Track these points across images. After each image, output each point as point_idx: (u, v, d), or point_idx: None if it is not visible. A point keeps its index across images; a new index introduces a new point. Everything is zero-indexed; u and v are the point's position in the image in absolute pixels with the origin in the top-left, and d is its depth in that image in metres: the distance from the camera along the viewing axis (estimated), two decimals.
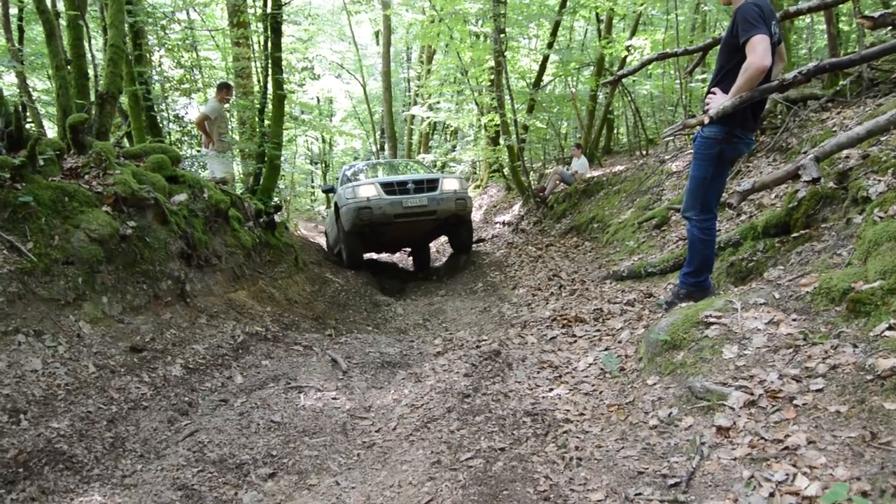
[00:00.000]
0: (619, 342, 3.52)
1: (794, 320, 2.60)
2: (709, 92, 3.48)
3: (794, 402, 2.07)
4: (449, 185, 7.97)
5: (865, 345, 2.19)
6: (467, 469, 2.28)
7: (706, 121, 3.27)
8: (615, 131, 18.66)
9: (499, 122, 13.03)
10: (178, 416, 2.83)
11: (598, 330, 3.84)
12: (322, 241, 12.27)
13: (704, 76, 12.24)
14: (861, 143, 2.86)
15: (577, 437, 2.44)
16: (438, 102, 20.75)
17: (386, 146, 22.88)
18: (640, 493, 1.88)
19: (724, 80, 3.36)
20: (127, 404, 2.76)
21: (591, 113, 15.07)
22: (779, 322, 2.63)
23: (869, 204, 3.02)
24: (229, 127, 8.13)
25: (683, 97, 11.76)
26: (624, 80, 9.02)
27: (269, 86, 7.76)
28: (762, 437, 1.96)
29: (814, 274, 2.88)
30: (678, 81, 12.69)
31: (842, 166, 3.61)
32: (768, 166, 5.27)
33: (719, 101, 3.28)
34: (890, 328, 2.16)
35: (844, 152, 3.72)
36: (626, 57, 13.82)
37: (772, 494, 1.66)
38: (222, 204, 4.85)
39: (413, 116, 25.50)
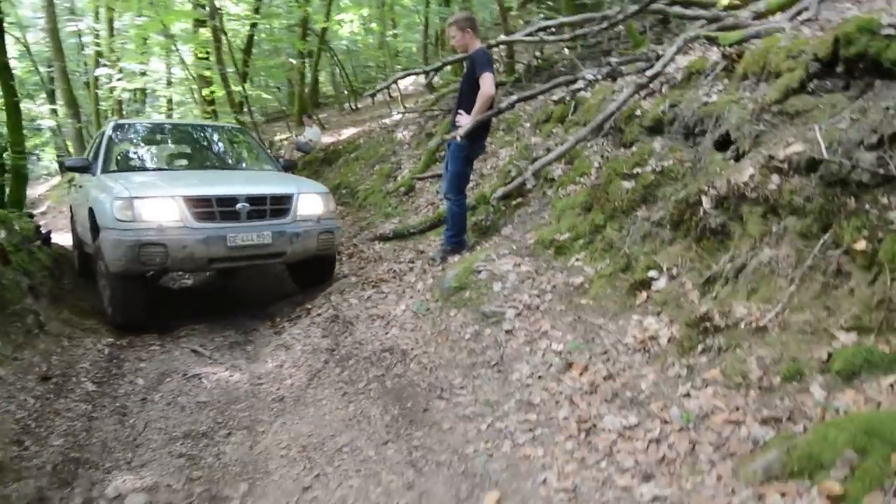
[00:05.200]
0: (418, 291, 5.04)
1: (528, 261, 4.42)
2: (455, 112, 5.11)
3: (540, 308, 3.84)
4: (309, 205, 5.19)
5: (566, 271, 4.08)
6: (369, 391, 3.58)
7: (458, 138, 4.89)
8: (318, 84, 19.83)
9: (221, 95, 13.32)
10: (124, 418, 3.51)
11: (399, 285, 5.31)
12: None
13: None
14: (562, 156, 4.68)
15: (425, 356, 3.90)
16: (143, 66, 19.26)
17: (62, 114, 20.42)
18: (479, 373, 3.44)
19: (463, 104, 5.01)
20: (83, 419, 3.35)
21: (301, 75, 16.04)
22: (519, 264, 4.42)
23: (554, 183, 5.01)
24: None
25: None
26: (328, 38, 10.26)
27: None
28: (529, 330, 3.67)
29: (533, 231, 4.77)
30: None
31: (534, 154, 5.62)
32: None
33: (466, 121, 4.91)
34: (577, 260, 4.08)
35: (535, 142, 5.76)
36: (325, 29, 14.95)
37: (542, 354, 3.36)
38: (26, 231, 4.99)
39: (97, 80, 23.01)
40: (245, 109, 12.76)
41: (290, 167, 6.65)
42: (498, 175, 6.38)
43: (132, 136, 6.38)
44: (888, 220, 2.21)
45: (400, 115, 12.12)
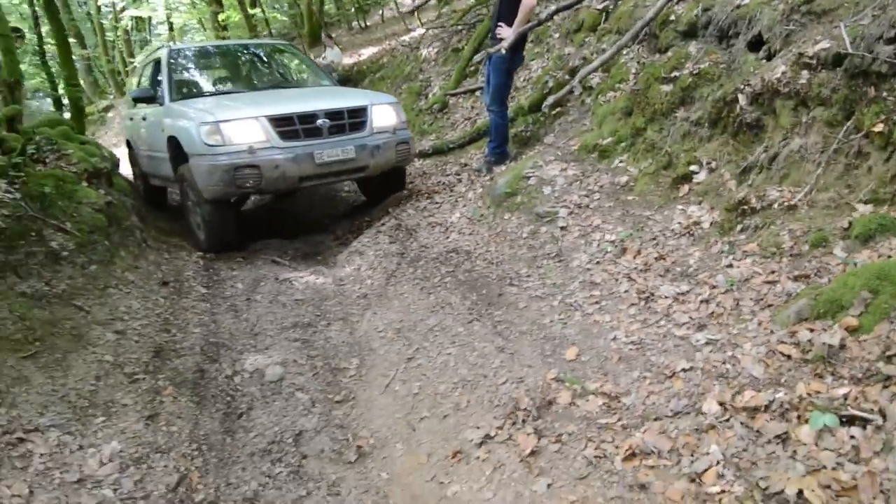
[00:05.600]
0: (469, 199, 5.52)
1: (574, 165, 4.85)
2: (496, 25, 5.38)
3: (590, 206, 4.31)
4: (384, 116, 5.25)
5: (611, 172, 4.52)
6: (444, 284, 4.14)
7: (503, 50, 5.20)
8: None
9: (237, 19, 13.34)
10: (237, 314, 4.13)
11: (451, 195, 5.79)
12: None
13: None
14: (604, 63, 4.99)
15: (488, 254, 4.42)
16: None
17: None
18: (541, 263, 3.97)
19: (503, 17, 5.28)
20: (207, 314, 3.98)
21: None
22: (566, 169, 4.85)
23: (593, 91, 5.35)
24: None
25: None
26: None
27: None
28: (582, 226, 4.16)
29: (575, 138, 5.16)
30: None
31: (571, 64, 5.91)
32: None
33: (507, 33, 5.20)
34: (621, 161, 4.50)
35: (568, 52, 6.03)
36: None
37: (597, 244, 3.86)
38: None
39: (99, 9, 22.78)
40: (265, 32, 12.83)
41: (345, 81, 6.78)
42: (533, 86, 6.68)
43: (189, 61, 6.36)
44: None
45: (420, 32, 12.14)
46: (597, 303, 3.25)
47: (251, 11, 12.61)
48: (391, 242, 5.04)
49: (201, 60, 6.54)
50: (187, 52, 6.49)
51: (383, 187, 5.95)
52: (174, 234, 5.94)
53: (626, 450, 2.18)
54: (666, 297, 3.02)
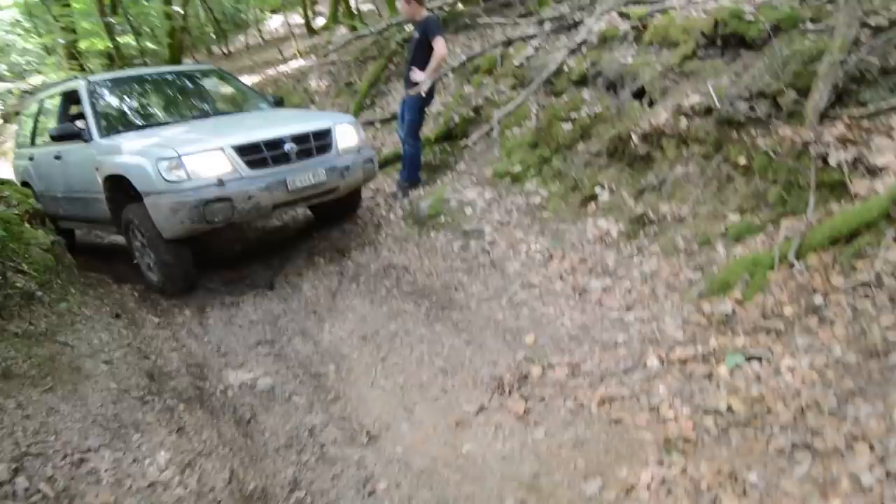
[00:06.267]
0: (392, 220, 6.06)
1: (489, 189, 5.60)
2: (409, 69, 6.05)
3: (511, 223, 5.05)
4: (347, 137, 5.28)
5: (525, 195, 5.32)
6: (392, 295, 4.63)
7: (423, 92, 5.87)
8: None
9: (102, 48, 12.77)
10: (198, 338, 4.30)
11: (372, 217, 6.27)
12: None
13: None
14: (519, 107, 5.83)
15: (424, 267, 4.96)
16: None
17: None
18: (479, 272, 4.60)
19: (417, 62, 5.97)
20: (171, 341, 4.13)
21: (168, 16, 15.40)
22: (483, 192, 5.59)
23: (498, 126, 6.18)
24: None
25: None
26: None
27: None
28: (507, 240, 4.88)
29: (487, 166, 5.93)
30: None
31: (473, 103, 6.73)
32: None
33: (421, 77, 5.88)
34: (532, 186, 5.32)
35: (469, 91, 6.87)
36: None
37: (525, 253, 4.60)
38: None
39: None
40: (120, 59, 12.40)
41: (279, 103, 6.54)
42: (434, 120, 7.41)
43: (111, 93, 5.89)
44: (757, 145, 3.65)
45: (302, 63, 12.48)
46: (539, 299, 3.97)
47: (123, 40, 12.13)
48: (327, 263, 5.43)
49: (125, 91, 6.10)
50: (108, 83, 6.00)
51: (340, 207, 5.88)
52: (91, 269, 5.82)
53: (598, 399, 2.87)
54: (596, 290, 3.81)
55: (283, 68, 13.16)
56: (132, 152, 4.71)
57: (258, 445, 3.07)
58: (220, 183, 4.41)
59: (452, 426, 3.04)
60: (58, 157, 5.75)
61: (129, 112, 5.90)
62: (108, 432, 2.74)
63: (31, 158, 6.43)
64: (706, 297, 3.30)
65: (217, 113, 6.10)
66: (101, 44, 12.86)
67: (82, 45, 13.07)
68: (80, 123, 5.38)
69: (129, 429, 2.83)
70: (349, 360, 3.93)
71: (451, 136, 6.80)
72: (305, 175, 4.82)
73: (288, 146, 4.77)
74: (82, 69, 14.33)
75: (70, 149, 5.50)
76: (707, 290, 3.33)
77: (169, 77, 6.58)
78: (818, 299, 2.87)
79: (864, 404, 2.27)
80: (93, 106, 5.47)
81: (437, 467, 2.81)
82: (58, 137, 5.39)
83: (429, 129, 7.37)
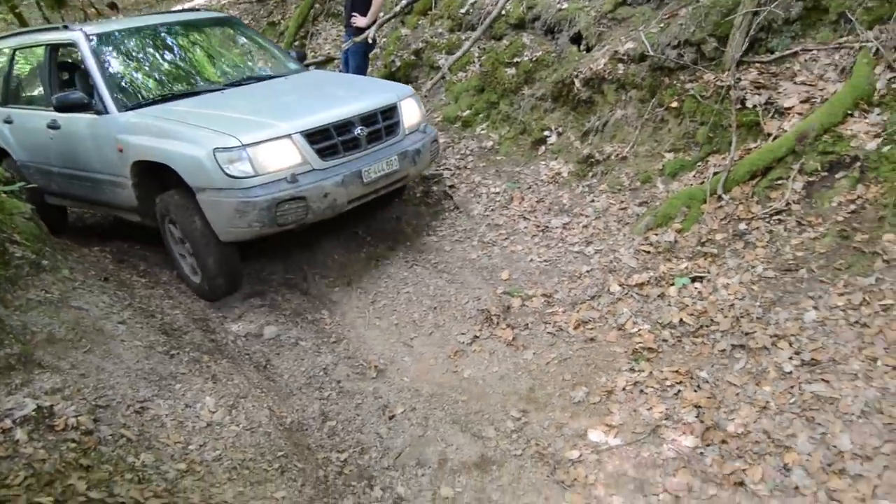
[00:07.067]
0: None
1: (441, 134, 5.94)
2: (350, 15, 6.16)
3: (468, 167, 5.46)
4: (411, 113, 4.42)
5: (476, 139, 5.72)
6: (368, 241, 5.01)
7: (369, 38, 6.01)
8: None
9: None
10: (191, 295, 4.55)
11: None
12: None
13: None
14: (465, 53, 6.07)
15: (387, 213, 5.36)
16: None
17: None
18: (445, 215, 5.04)
19: (356, 7, 6.08)
20: (166, 299, 4.36)
21: None
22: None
23: (440, 71, 6.45)
24: None
25: None
26: None
27: None
28: (466, 182, 5.30)
29: (436, 111, 6.24)
30: None
31: (414, 47, 6.91)
32: None
33: (363, 23, 6.02)
34: (482, 129, 5.72)
35: (406, 33, 7.03)
36: None
37: (486, 196, 5.05)
38: None
39: None
40: None
41: (302, 58, 5.50)
42: (375, 66, 7.54)
43: (119, 50, 4.61)
44: (686, 89, 4.20)
45: (201, 4, 11.91)
46: (506, 238, 4.47)
47: None
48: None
49: (136, 47, 4.72)
50: (114, 36, 4.62)
51: (390, 194, 4.71)
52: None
53: (574, 322, 3.46)
54: (557, 228, 4.35)
55: (188, 5, 12.51)
56: (176, 137, 3.79)
57: (282, 386, 3.48)
58: (293, 179, 3.68)
59: (451, 355, 3.56)
60: (54, 127, 4.70)
61: (148, 77, 4.68)
62: (153, 384, 3.05)
63: (7, 121, 5.26)
64: (652, 229, 3.91)
65: (251, 79, 4.80)
66: None
67: None
68: (76, 90, 4.30)
69: (169, 380, 3.15)
70: (340, 305, 4.33)
71: (393, 80, 6.98)
72: (380, 164, 4.04)
73: (358, 129, 3.96)
74: None
75: (74, 119, 4.46)
76: (652, 222, 3.94)
77: (181, 29, 5.07)
78: (742, 226, 3.53)
79: (783, 311, 2.95)
80: (102, 68, 4.33)
81: (445, 391, 3.34)
82: (64, 107, 4.20)
83: (371, 75, 7.51)
